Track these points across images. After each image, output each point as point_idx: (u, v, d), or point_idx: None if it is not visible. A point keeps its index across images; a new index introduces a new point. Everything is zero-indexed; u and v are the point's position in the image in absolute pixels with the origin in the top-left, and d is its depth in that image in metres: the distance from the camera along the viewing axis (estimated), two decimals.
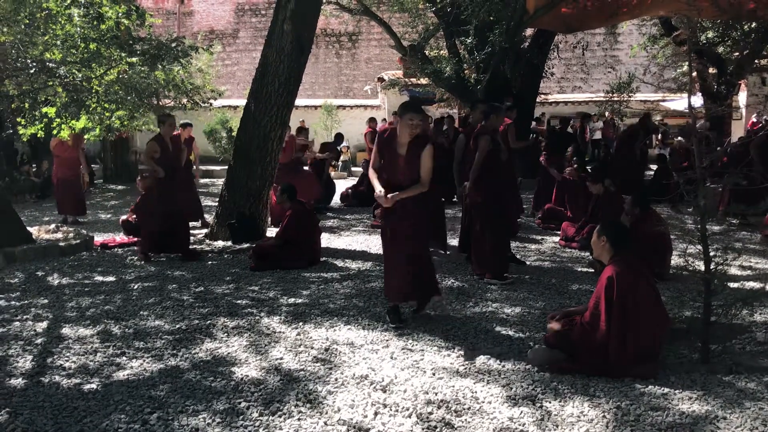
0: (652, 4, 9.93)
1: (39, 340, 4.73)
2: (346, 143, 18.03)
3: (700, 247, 4.21)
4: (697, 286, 4.38)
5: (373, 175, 5.11)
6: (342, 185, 13.14)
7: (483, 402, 3.65)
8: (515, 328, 4.94)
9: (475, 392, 3.77)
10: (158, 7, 27.89)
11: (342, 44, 28.27)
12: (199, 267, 7.02)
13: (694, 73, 12.33)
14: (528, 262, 7.07)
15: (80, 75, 8.51)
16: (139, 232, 8.55)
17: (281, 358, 4.33)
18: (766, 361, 4.21)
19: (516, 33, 11.77)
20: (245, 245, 7.78)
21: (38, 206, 12.64)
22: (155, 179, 7.44)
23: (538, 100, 16.27)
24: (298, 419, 3.46)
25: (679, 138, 17.72)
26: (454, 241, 8.11)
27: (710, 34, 14.35)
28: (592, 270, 6.54)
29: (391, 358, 4.32)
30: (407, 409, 3.55)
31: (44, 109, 8.42)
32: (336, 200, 11.81)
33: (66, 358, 4.37)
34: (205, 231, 8.68)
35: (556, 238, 8.33)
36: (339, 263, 7.12)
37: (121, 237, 8.73)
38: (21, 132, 8.86)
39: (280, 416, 3.50)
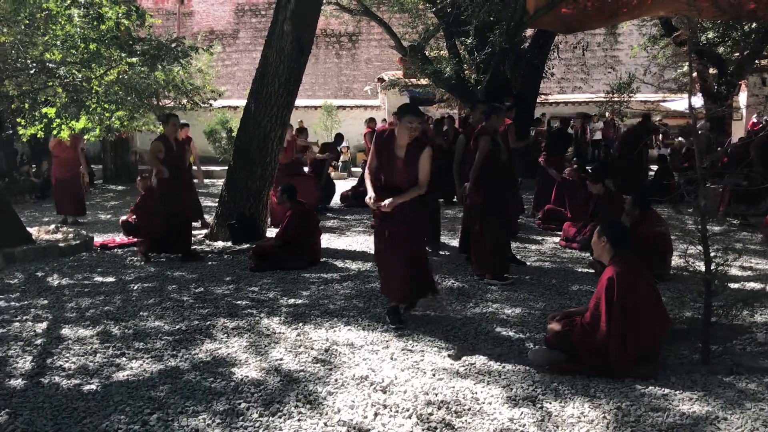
0: (652, 4, 9.93)
1: (39, 341, 4.73)
2: (346, 143, 18.03)
3: (700, 247, 4.21)
4: (697, 286, 4.37)
5: (367, 178, 5.11)
6: (342, 186, 13.14)
7: (483, 403, 3.65)
8: (515, 328, 4.94)
9: (476, 393, 3.77)
10: (158, 8, 27.91)
11: (342, 45, 28.27)
12: (199, 267, 7.02)
13: (695, 74, 12.32)
14: (528, 263, 7.06)
15: (80, 75, 8.51)
16: (139, 232, 8.56)
17: (281, 359, 4.32)
18: (767, 362, 4.20)
19: (516, 33, 11.77)
20: (245, 246, 7.78)
21: (38, 207, 12.63)
22: (159, 179, 7.43)
23: (538, 100, 16.28)
24: (298, 420, 3.46)
25: (680, 138, 17.74)
26: (454, 242, 8.11)
27: (710, 35, 14.34)
28: (593, 270, 6.54)
29: (391, 358, 4.32)
30: (407, 410, 3.55)
31: (44, 110, 8.42)
32: (336, 201, 11.82)
33: (66, 359, 4.36)
34: (205, 231, 8.67)
35: (557, 239, 8.33)
36: (339, 264, 7.12)
37: (120, 237, 8.72)
38: (21, 132, 8.86)
39: (280, 417, 3.49)
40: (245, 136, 8.22)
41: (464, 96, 13.40)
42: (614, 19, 11.83)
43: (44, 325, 5.10)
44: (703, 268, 4.20)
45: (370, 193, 4.98)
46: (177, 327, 5.01)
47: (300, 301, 5.67)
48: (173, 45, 9.64)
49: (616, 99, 13.50)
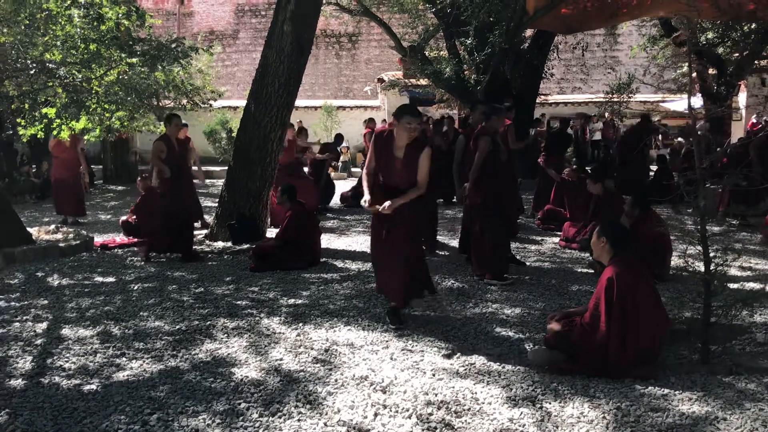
0: (651, 4, 9.94)
1: (39, 341, 4.73)
2: (346, 144, 18.04)
3: (700, 247, 4.21)
4: (697, 287, 4.38)
5: (364, 180, 5.12)
6: (342, 186, 13.15)
7: (483, 403, 3.65)
8: (515, 328, 4.94)
9: (475, 393, 3.77)
10: (158, 8, 27.93)
11: (342, 45, 28.29)
12: (199, 268, 7.02)
13: (694, 74, 12.32)
14: (528, 263, 7.07)
15: (80, 76, 8.51)
16: (139, 232, 8.57)
17: (281, 359, 4.32)
18: (766, 362, 4.21)
19: (516, 34, 11.78)
20: (245, 246, 7.78)
21: (38, 207, 12.64)
22: (161, 179, 7.44)
23: (537, 100, 16.29)
24: (298, 420, 3.46)
25: (679, 139, 17.76)
26: (453, 242, 8.12)
27: (710, 35, 14.36)
28: (592, 271, 6.54)
29: (391, 359, 4.32)
30: (407, 410, 3.55)
31: (44, 110, 8.43)
32: (336, 201, 11.82)
33: (66, 359, 4.36)
34: (205, 232, 8.68)
35: (556, 239, 8.33)
36: (339, 264, 7.12)
37: (120, 238, 8.73)
38: (21, 133, 8.86)
39: (280, 417, 3.50)
40: (245, 137, 8.22)
41: (464, 96, 13.42)
42: (614, 20, 11.85)
43: (44, 325, 5.11)
44: (702, 269, 4.20)
45: (366, 196, 5.01)
46: (177, 327, 5.01)
47: (300, 302, 5.68)
48: (173, 45, 9.65)
49: (615, 99, 13.53)
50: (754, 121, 16.63)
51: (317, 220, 7.72)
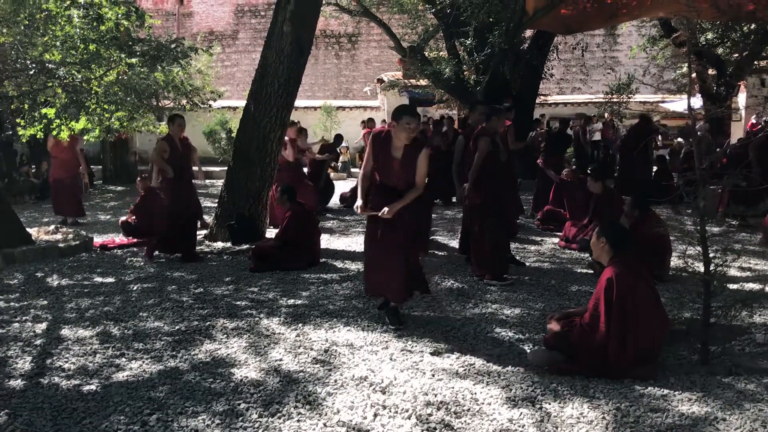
0: (651, 5, 9.95)
1: (38, 342, 4.73)
2: (346, 144, 18.04)
3: (699, 248, 4.21)
4: (696, 287, 4.38)
5: (360, 183, 5.12)
6: (341, 186, 13.15)
7: (482, 403, 3.65)
8: (515, 329, 4.94)
9: (475, 393, 3.77)
10: (158, 8, 27.93)
11: (341, 45, 28.29)
12: (198, 268, 7.02)
13: (694, 75, 12.32)
14: (527, 264, 7.07)
15: (80, 76, 8.51)
16: (139, 233, 8.57)
17: (281, 360, 4.32)
18: (766, 363, 4.21)
19: (515, 34, 11.79)
20: (245, 246, 7.78)
21: (37, 207, 12.62)
22: (164, 179, 7.43)
23: (537, 101, 16.29)
24: (298, 421, 3.46)
25: (679, 139, 17.76)
26: (453, 243, 8.12)
27: (709, 36, 14.37)
28: (592, 271, 6.54)
29: (391, 359, 4.32)
30: (407, 411, 3.55)
31: (44, 110, 8.42)
32: (335, 201, 11.82)
33: (65, 360, 4.36)
34: (204, 232, 8.67)
35: (556, 240, 8.34)
36: (338, 264, 7.12)
37: (120, 238, 8.72)
38: (20, 133, 8.86)
39: (279, 417, 3.50)
40: (245, 137, 8.22)
41: (463, 97, 13.42)
42: (613, 20, 11.86)
43: (44, 325, 5.11)
44: (702, 269, 4.20)
45: (359, 201, 5.02)
46: (176, 327, 5.01)
47: (299, 302, 5.68)
48: (173, 46, 9.65)
49: (615, 100, 13.54)
50: (754, 121, 16.64)
51: (317, 221, 7.72)
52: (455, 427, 3.38)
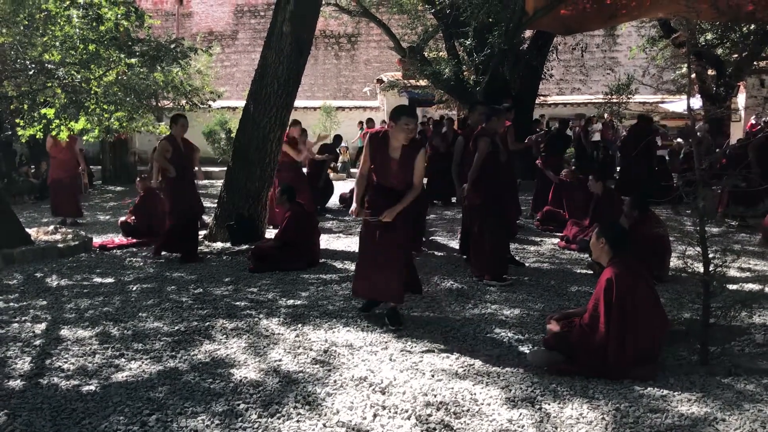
0: (650, 5, 9.96)
1: (37, 342, 4.73)
2: (345, 144, 18.05)
3: (699, 248, 4.21)
4: (696, 287, 4.38)
5: (357, 185, 5.13)
6: (341, 187, 13.15)
7: (482, 404, 3.65)
8: (514, 329, 4.94)
9: (474, 394, 3.77)
10: (157, 9, 27.93)
11: (341, 46, 28.30)
12: (197, 268, 7.02)
13: (693, 75, 12.32)
14: (527, 264, 7.07)
15: (79, 76, 8.50)
16: (138, 233, 8.57)
17: (280, 360, 4.32)
18: (765, 363, 4.21)
19: (515, 35, 11.80)
20: (244, 247, 7.78)
21: (37, 207, 12.62)
22: (166, 179, 7.43)
23: (537, 101, 16.30)
24: (297, 421, 3.46)
25: (678, 140, 17.77)
26: (453, 243, 8.12)
27: (709, 36, 14.38)
28: (591, 272, 6.55)
29: (390, 359, 4.32)
30: (406, 411, 3.55)
31: (43, 111, 8.42)
32: (335, 202, 11.82)
33: (64, 360, 4.36)
34: (204, 232, 8.67)
35: (555, 240, 8.34)
36: (338, 265, 7.12)
37: (119, 238, 8.72)
38: (20, 133, 8.85)
39: (279, 418, 3.49)
40: (244, 137, 8.22)
41: (463, 97, 13.42)
42: (613, 21, 11.87)
43: (43, 325, 5.10)
44: (701, 270, 4.20)
45: (354, 205, 5.05)
46: (176, 328, 5.01)
47: (299, 302, 5.67)
48: (172, 46, 9.64)
49: (614, 100, 13.53)
50: (753, 122, 16.64)
51: (316, 221, 7.72)
52: (455, 428, 3.38)
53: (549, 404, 3.64)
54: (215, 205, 8.86)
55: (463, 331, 4.89)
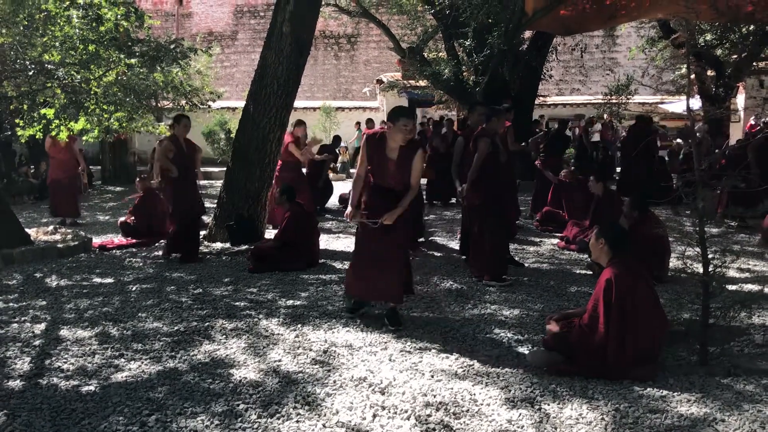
0: (650, 6, 9.96)
1: (37, 342, 4.73)
2: (345, 144, 18.05)
3: (698, 249, 4.22)
4: (695, 288, 4.38)
5: (353, 187, 5.13)
6: (340, 187, 13.15)
7: (482, 404, 3.65)
8: (514, 330, 4.94)
9: (474, 394, 3.77)
10: (157, 9, 27.94)
11: (341, 46, 28.30)
12: (197, 269, 7.02)
13: (693, 76, 12.33)
14: (526, 264, 7.07)
15: (79, 76, 8.50)
16: (137, 233, 8.57)
17: (280, 360, 4.32)
18: (765, 364, 4.21)
19: (514, 35, 11.80)
20: (244, 247, 7.78)
21: (36, 208, 12.62)
22: (168, 179, 7.43)
23: (536, 102, 16.30)
24: (297, 421, 3.46)
25: (678, 140, 17.78)
26: (452, 244, 8.13)
27: (708, 37, 14.39)
28: (591, 272, 6.55)
29: (390, 360, 4.32)
30: (406, 411, 3.55)
31: (43, 111, 8.42)
32: (334, 202, 11.82)
33: (64, 360, 4.36)
34: (203, 233, 8.67)
35: (555, 241, 8.34)
36: (338, 265, 7.12)
37: (119, 239, 8.72)
38: (19, 133, 8.86)
39: (278, 418, 3.49)
40: (244, 138, 8.22)
41: (463, 98, 13.42)
42: (612, 21, 11.88)
43: (43, 326, 5.10)
44: (701, 270, 4.20)
45: (349, 208, 5.06)
46: (175, 328, 5.01)
47: (298, 303, 5.67)
48: (172, 46, 9.64)
49: (614, 101, 13.54)
50: (753, 122, 16.67)
51: (316, 221, 7.72)
52: (454, 428, 3.38)
53: (548, 404, 3.64)
54: (215, 206, 8.86)
55: (462, 332, 4.89)
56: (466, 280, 6.39)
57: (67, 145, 10.25)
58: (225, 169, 8.77)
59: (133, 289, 6.21)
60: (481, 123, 6.84)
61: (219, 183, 9.61)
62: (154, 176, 8.25)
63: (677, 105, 18.29)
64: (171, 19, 27.59)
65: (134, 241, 8.44)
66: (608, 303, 3.96)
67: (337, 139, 13.78)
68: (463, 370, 4.14)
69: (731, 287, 5.68)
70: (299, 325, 5.04)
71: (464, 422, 3.44)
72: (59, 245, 7.84)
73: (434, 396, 3.74)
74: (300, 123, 9.90)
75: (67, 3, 8.10)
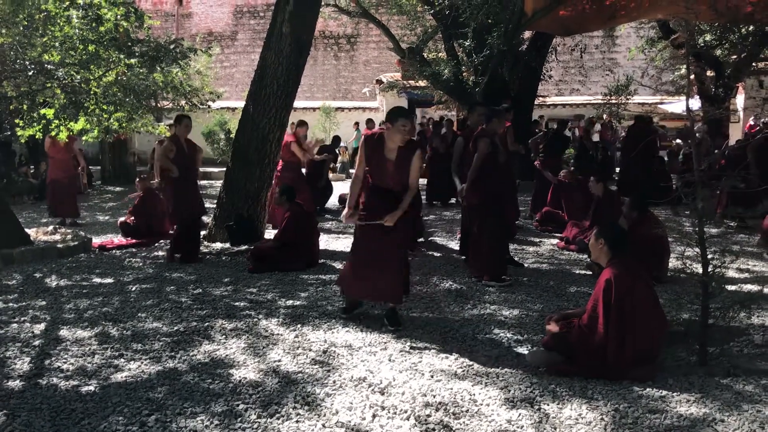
0: (649, 7, 9.96)
1: (37, 342, 4.73)
2: (344, 144, 18.06)
3: (697, 249, 4.22)
4: (694, 288, 4.38)
5: (352, 189, 5.13)
6: (340, 187, 13.14)
7: (481, 404, 3.65)
8: (513, 330, 4.94)
9: (474, 394, 3.78)
10: (157, 9, 27.94)
11: (341, 46, 28.30)
12: (197, 269, 7.02)
13: (692, 76, 12.34)
14: (526, 265, 7.08)
15: (79, 77, 8.50)
16: (137, 233, 8.57)
17: (279, 361, 4.32)
18: (764, 364, 4.21)
19: (514, 35, 11.79)
20: (243, 247, 7.78)
21: (36, 208, 12.61)
22: (169, 179, 7.43)
23: (536, 102, 16.31)
24: (297, 422, 3.46)
25: (677, 141, 17.79)
26: (452, 244, 8.13)
27: (708, 37, 14.40)
28: (590, 272, 6.55)
29: (390, 360, 4.33)
30: (405, 412, 3.55)
31: (42, 111, 8.42)
32: (334, 202, 11.82)
33: (64, 360, 4.36)
34: (203, 233, 8.67)
35: (554, 241, 8.34)
36: (337, 265, 7.11)
37: (119, 239, 8.72)
38: (19, 133, 8.85)
39: (278, 418, 3.50)
40: (244, 138, 8.22)
41: (462, 98, 13.42)
42: (612, 22, 11.87)
43: (42, 326, 5.10)
44: (700, 270, 4.21)
45: (346, 210, 5.08)
46: (175, 328, 5.01)
47: (298, 303, 5.68)
48: (172, 46, 9.63)
49: (613, 101, 13.54)
50: (752, 123, 16.66)
51: (316, 221, 7.72)
52: (454, 428, 3.38)
53: (548, 405, 3.65)
54: (214, 206, 8.86)
55: (462, 332, 4.90)
56: (465, 281, 6.40)
57: (66, 145, 10.25)
58: (225, 169, 8.77)
59: (133, 289, 6.21)
60: (480, 123, 6.85)
61: (219, 183, 9.61)
62: (155, 176, 8.26)
63: (677, 105, 18.30)
64: (171, 20, 27.59)
65: (134, 241, 8.44)
66: (608, 303, 3.96)
67: (336, 140, 13.78)
68: (463, 371, 4.14)
69: (730, 287, 5.69)
70: (299, 326, 5.04)
71: (464, 422, 3.44)
72: (59, 245, 7.84)
73: (434, 396, 3.75)
74: (302, 123, 9.91)
75: (67, 3, 8.10)
